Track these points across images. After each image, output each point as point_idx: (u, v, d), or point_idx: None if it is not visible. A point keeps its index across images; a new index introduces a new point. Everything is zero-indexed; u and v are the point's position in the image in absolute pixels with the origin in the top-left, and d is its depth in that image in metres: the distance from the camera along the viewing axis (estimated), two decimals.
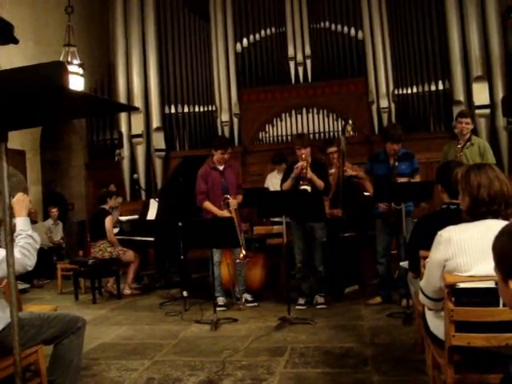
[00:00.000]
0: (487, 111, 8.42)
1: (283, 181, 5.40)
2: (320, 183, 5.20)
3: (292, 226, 5.29)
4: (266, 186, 7.02)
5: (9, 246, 1.72)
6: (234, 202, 5.48)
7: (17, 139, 8.43)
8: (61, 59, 8.10)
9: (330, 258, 5.48)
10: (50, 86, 1.29)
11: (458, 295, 2.23)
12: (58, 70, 1.29)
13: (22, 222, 2.69)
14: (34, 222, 7.24)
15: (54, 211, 9.02)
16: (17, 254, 2.45)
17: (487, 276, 2.13)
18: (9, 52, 5.90)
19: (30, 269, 2.62)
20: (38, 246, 2.69)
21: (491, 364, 2.27)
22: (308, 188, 5.07)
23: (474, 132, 5.56)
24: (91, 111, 1.96)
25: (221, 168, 5.62)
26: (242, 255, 5.31)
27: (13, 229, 1.94)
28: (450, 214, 2.84)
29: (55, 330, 2.83)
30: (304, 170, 5.12)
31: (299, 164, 5.14)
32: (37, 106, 1.45)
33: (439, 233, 2.34)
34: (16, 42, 1.58)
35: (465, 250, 2.24)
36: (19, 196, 2.74)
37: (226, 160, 5.63)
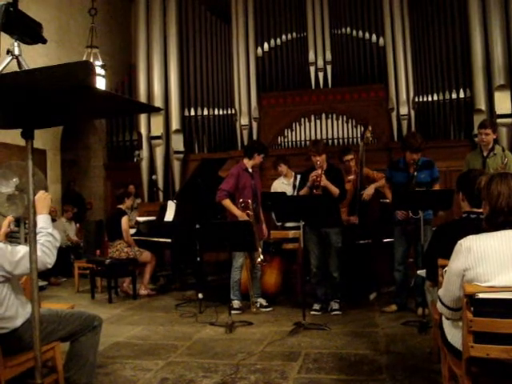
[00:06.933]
0: (509, 120, 8.31)
1: (299, 189, 5.40)
2: (335, 190, 5.19)
3: (307, 231, 5.28)
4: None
5: (32, 242, 1.74)
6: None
7: (38, 138, 8.47)
8: None
9: (345, 265, 5.45)
10: (77, 86, 1.30)
11: (477, 305, 2.20)
12: (85, 69, 1.31)
13: (43, 220, 2.71)
14: (53, 220, 7.30)
15: (69, 212, 9.01)
16: (37, 251, 2.47)
17: (508, 287, 2.11)
18: (33, 53, 6.01)
19: (49, 266, 2.64)
20: (58, 244, 2.72)
21: (510, 376, 2.24)
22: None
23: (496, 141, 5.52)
24: (116, 110, 1.98)
25: (251, 171, 5.67)
26: (259, 259, 5.32)
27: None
28: (469, 223, 2.81)
29: (72, 327, 2.87)
30: (318, 178, 5.11)
31: (314, 173, 5.14)
32: (63, 105, 1.47)
33: (459, 242, 2.32)
34: (44, 41, 1.61)
35: (485, 259, 2.21)
36: (41, 194, 2.77)
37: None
